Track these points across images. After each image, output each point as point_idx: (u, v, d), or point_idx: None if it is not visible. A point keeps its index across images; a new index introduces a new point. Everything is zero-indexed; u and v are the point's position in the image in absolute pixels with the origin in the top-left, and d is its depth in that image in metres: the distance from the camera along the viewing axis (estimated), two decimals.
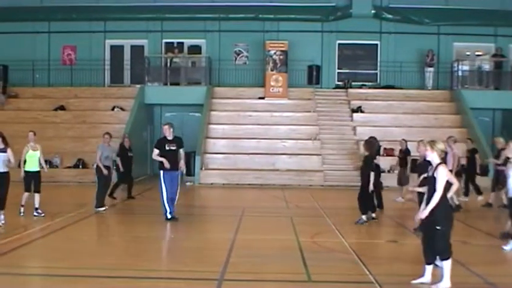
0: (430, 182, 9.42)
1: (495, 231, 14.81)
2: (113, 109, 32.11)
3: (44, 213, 16.91)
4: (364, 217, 16.06)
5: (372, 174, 16.26)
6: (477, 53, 33.66)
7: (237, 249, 12.47)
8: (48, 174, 26.30)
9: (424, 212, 9.25)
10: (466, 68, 32.99)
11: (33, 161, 17.44)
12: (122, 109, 31.87)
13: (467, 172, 22.09)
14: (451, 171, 16.70)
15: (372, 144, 16.88)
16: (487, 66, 33.20)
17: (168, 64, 33.69)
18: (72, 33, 34.61)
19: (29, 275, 10.19)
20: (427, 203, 9.32)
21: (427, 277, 9.47)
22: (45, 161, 25.80)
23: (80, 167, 27.87)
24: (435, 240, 9.29)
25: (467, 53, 33.64)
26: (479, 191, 22.20)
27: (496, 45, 33.37)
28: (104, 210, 18.17)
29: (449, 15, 32.98)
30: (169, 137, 16.39)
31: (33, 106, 32.44)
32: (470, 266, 9.40)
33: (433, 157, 9.46)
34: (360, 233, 15.10)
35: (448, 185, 9.32)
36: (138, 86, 32.95)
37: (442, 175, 9.24)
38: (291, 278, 9.99)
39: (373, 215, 16.47)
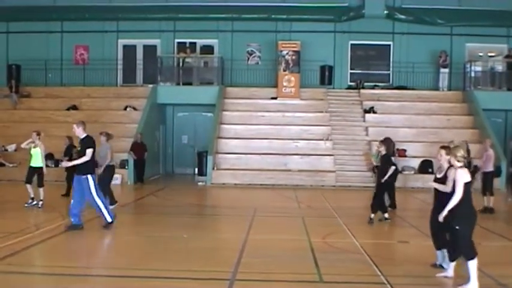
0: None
1: (507, 233, 14.84)
2: (125, 109, 32.21)
3: (41, 207, 18.17)
4: (386, 215, 16.19)
5: (392, 169, 16.38)
6: (490, 54, 33.52)
7: (248, 249, 12.51)
8: (61, 173, 26.66)
9: (442, 214, 9.36)
10: (478, 68, 32.86)
11: (35, 157, 18.88)
12: (135, 109, 31.97)
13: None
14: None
15: (389, 143, 17.08)
16: (499, 67, 33.06)
17: (181, 64, 33.71)
18: (85, 33, 34.71)
19: (41, 274, 10.25)
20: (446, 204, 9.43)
21: (450, 272, 9.65)
22: (57, 161, 26.46)
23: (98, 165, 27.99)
24: (456, 240, 9.36)
25: (480, 54, 33.51)
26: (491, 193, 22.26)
27: (508, 46, 33.23)
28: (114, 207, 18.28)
29: (462, 16, 32.89)
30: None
31: (46, 106, 32.57)
32: (482, 267, 9.40)
33: (453, 162, 9.56)
34: (372, 234, 15.11)
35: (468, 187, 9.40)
36: (151, 85, 33.02)
37: (461, 178, 9.30)
38: (302, 278, 10.01)
39: (386, 215, 16.49)
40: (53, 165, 28.07)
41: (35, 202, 18.70)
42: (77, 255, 11.85)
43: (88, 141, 14.68)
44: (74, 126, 15.00)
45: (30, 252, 12.12)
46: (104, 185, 18.37)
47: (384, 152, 16.66)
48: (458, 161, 9.58)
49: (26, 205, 18.48)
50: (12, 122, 29.05)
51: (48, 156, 28.16)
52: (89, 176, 14.44)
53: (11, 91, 33.00)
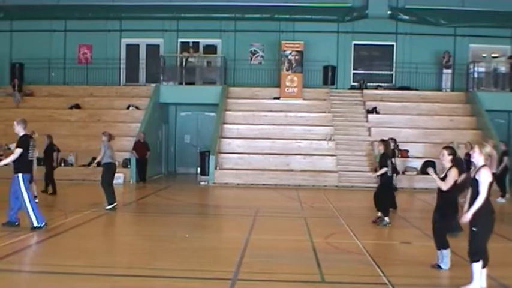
0: (474, 184, 9.32)
1: (509, 234, 14.82)
2: (128, 108, 32.25)
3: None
4: (386, 219, 16.09)
5: (383, 169, 16.36)
6: (493, 55, 33.54)
7: (250, 249, 12.49)
8: (63, 173, 26.78)
9: (467, 215, 9.15)
10: (482, 69, 32.86)
11: None
12: (137, 108, 31.99)
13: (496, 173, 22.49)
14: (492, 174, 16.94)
15: (388, 144, 17.06)
16: (503, 68, 33.02)
17: (184, 63, 33.73)
18: (88, 32, 34.77)
19: (43, 272, 10.24)
20: (470, 205, 9.26)
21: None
22: (60, 159, 26.56)
23: (95, 165, 27.99)
24: (470, 240, 9.26)
25: (483, 55, 33.52)
26: (504, 193, 22.36)
27: (511, 47, 33.23)
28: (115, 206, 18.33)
29: (465, 17, 32.88)
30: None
31: (49, 104, 32.63)
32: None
33: (478, 159, 9.46)
34: (374, 234, 15.09)
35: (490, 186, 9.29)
36: (154, 85, 33.04)
37: (486, 177, 9.18)
38: (304, 278, 9.99)
39: (387, 218, 16.44)
40: (56, 164, 28.14)
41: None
42: (80, 254, 11.84)
43: (20, 141, 14.49)
44: (14, 123, 14.84)
45: (31, 251, 12.13)
46: (104, 182, 18.52)
47: (382, 152, 16.66)
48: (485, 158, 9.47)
49: None
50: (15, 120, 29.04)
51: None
52: (20, 175, 14.18)
53: (14, 89, 33.07)
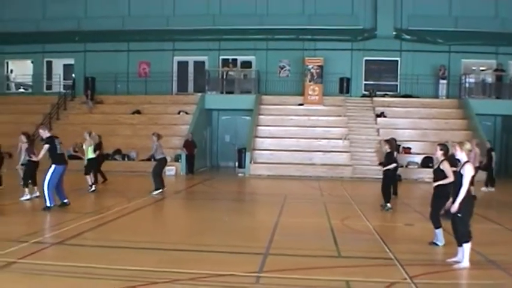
0: (457, 177, 9.23)
1: (492, 217, 14.68)
2: (179, 113, 32.39)
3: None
4: (388, 205, 16.01)
5: (393, 165, 16.30)
6: (481, 68, 33.13)
7: (279, 229, 12.49)
8: (127, 166, 27.06)
9: (455, 206, 9.02)
10: (472, 80, 32.54)
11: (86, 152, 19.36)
12: (186, 113, 32.11)
13: (486, 167, 22.53)
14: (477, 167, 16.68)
15: (393, 143, 16.99)
16: (489, 79, 32.67)
17: (224, 76, 33.83)
18: (146, 51, 35.01)
19: (111, 247, 10.35)
20: (454, 196, 9.15)
21: (459, 256, 9.23)
22: (124, 155, 26.76)
23: (153, 160, 28.17)
24: (456, 225, 9.20)
25: (473, 68, 33.10)
26: (493, 184, 22.15)
27: (497, 61, 32.84)
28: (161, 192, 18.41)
29: (458, 36, 32.56)
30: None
31: (115, 110, 32.92)
32: (474, 246, 9.27)
33: (461, 156, 9.39)
34: (382, 218, 14.99)
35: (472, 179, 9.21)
36: (200, 94, 33.11)
37: (469, 172, 9.07)
38: (323, 253, 9.98)
39: (389, 204, 16.35)
40: (121, 159, 28.42)
41: (93, 188, 18.92)
42: (139, 231, 11.94)
43: (46, 141, 14.66)
44: (40, 130, 15.28)
45: (101, 229, 12.26)
46: (155, 172, 18.64)
47: (388, 150, 16.55)
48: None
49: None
50: (89, 124, 29.30)
51: (117, 151, 28.60)
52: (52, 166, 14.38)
53: (87, 98, 33.45)
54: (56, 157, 14.53)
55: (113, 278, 7.93)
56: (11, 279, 7.82)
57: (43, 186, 14.28)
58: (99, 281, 7.77)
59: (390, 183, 16.65)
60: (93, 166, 19.63)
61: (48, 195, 14.13)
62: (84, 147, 19.24)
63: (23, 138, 16.82)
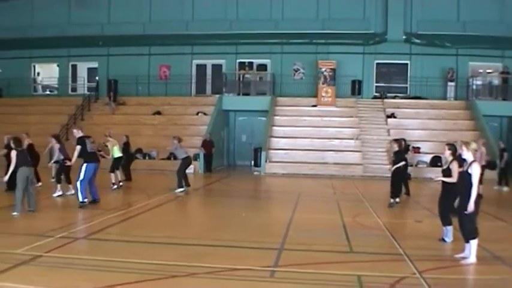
0: (465, 177, 9.13)
1: (499, 215, 14.57)
2: (197, 114, 32.46)
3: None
4: (397, 199, 16.00)
5: (402, 163, 16.24)
6: (488, 71, 32.89)
7: (293, 225, 12.49)
8: (147, 164, 27.19)
9: (470, 206, 8.88)
10: (479, 82, 32.35)
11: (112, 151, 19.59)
12: (205, 114, 32.17)
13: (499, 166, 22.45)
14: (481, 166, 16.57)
15: (401, 142, 16.96)
16: (496, 81, 32.47)
17: (241, 79, 33.88)
18: (166, 55, 35.16)
19: (134, 242, 10.40)
20: (461, 195, 9.10)
21: (466, 252, 9.16)
22: (145, 154, 26.82)
23: (172, 158, 28.32)
24: (463, 222, 9.14)
25: (480, 71, 32.85)
26: (506, 183, 21.93)
27: (503, 64, 32.67)
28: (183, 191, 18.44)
29: (465, 40, 32.32)
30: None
31: (137, 111, 33.05)
32: (481, 243, 9.21)
33: (468, 156, 9.32)
34: (392, 214, 14.95)
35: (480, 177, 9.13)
36: (217, 95, 33.19)
37: (477, 172, 9.00)
38: (336, 249, 9.98)
39: (397, 199, 16.33)
40: (141, 158, 28.52)
41: (115, 186, 19.03)
42: (159, 227, 11.99)
43: (78, 142, 14.82)
44: (74, 130, 15.43)
45: (123, 225, 12.33)
46: (179, 171, 18.66)
47: (396, 149, 16.50)
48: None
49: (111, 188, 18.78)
50: (112, 124, 29.51)
51: (138, 150, 28.71)
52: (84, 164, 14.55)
53: (110, 100, 33.63)
54: (86, 155, 14.68)
55: (134, 271, 7.98)
56: (37, 272, 7.88)
57: (76, 183, 14.45)
58: (120, 274, 7.81)
59: (400, 180, 16.61)
60: (118, 165, 19.73)
61: (81, 191, 14.32)
62: (109, 146, 19.35)
63: (53, 140, 17.09)
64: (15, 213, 12.66)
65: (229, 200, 18.28)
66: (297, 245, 10.20)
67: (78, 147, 14.63)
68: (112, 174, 19.00)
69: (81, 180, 14.35)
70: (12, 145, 13.49)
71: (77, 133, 15.07)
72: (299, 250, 9.84)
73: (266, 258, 9.00)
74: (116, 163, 19.35)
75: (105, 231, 11.24)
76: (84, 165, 14.53)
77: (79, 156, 14.75)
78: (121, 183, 19.48)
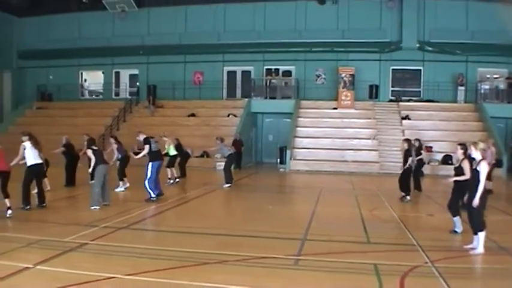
0: (474, 174, 9.06)
1: (506, 209, 14.34)
2: (228, 116, 32.52)
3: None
4: (407, 197, 15.82)
5: (409, 159, 16.06)
6: (495, 76, 32.43)
7: (316, 217, 12.48)
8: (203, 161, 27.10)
9: (476, 200, 8.82)
10: (486, 87, 31.86)
11: (168, 150, 19.78)
12: (235, 116, 32.23)
13: None
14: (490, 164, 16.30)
15: (410, 141, 16.78)
16: (502, 86, 31.98)
17: (268, 84, 33.83)
18: (200, 63, 35.28)
19: (170, 232, 10.49)
20: (471, 190, 9.00)
21: (475, 243, 9.07)
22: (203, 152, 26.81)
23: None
24: (472, 216, 9.05)
25: (488, 76, 32.40)
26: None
27: (509, 70, 32.06)
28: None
29: (474, 48, 31.80)
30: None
31: (174, 114, 33.24)
32: (488, 235, 9.09)
33: (477, 155, 9.21)
34: (406, 208, 14.82)
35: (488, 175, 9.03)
36: (246, 99, 33.22)
37: (485, 169, 8.92)
38: (354, 239, 9.94)
39: (408, 197, 16.08)
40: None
41: (172, 181, 19.26)
42: (194, 218, 12.07)
43: (145, 142, 14.94)
44: (140, 135, 15.46)
45: (160, 216, 12.43)
46: (226, 167, 18.96)
47: (406, 147, 16.34)
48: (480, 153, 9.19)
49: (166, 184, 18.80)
50: (151, 126, 29.73)
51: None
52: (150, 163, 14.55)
53: (149, 103, 33.90)
54: (151, 155, 14.79)
55: (169, 258, 8.07)
56: (83, 259, 8.05)
57: (144, 182, 14.49)
58: (157, 261, 7.90)
59: (408, 179, 16.36)
60: (174, 162, 19.93)
61: (150, 188, 14.42)
62: (166, 145, 19.49)
63: (112, 140, 17.57)
64: (95, 207, 12.80)
65: (257, 194, 18.30)
66: (318, 236, 10.19)
67: (147, 147, 14.77)
68: (168, 170, 19.23)
69: (148, 179, 14.42)
70: (93, 146, 13.77)
71: (142, 136, 15.29)
72: (321, 240, 9.83)
73: (290, 248, 9.01)
74: (172, 160, 19.59)
75: (144, 221, 11.41)
76: (150, 164, 14.57)
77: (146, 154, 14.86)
78: (177, 180, 19.66)
